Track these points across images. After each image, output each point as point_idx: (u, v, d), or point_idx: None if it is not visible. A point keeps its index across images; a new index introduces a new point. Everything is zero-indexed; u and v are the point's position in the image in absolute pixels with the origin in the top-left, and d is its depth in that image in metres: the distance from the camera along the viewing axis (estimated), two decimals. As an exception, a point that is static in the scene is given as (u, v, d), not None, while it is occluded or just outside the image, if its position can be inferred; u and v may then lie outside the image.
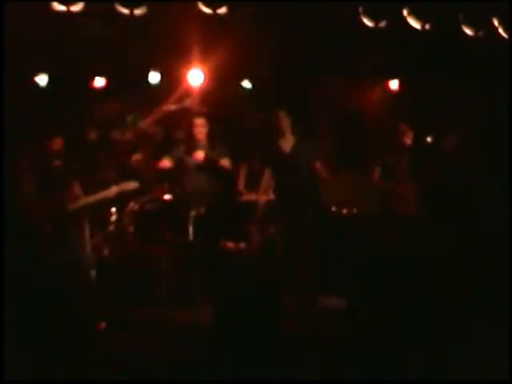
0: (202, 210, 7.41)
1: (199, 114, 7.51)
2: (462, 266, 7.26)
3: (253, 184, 8.11)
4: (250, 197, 8.05)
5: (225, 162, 7.37)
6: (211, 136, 7.40)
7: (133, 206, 7.93)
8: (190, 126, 7.41)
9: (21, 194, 6.99)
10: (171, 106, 8.75)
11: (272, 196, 7.44)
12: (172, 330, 6.45)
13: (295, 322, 6.21)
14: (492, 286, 6.29)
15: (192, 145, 7.37)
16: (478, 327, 5.30)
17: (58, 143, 6.97)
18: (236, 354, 5.37)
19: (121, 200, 7.91)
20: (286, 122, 7.04)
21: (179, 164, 7.43)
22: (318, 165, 7.18)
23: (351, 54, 8.50)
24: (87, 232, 7.18)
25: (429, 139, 8.76)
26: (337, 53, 8.52)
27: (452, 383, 4.39)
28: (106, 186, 7.31)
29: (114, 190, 7.20)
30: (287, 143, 7.09)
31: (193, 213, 7.40)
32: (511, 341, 4.74)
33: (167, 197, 7.71)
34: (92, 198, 7.03)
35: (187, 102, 8.92)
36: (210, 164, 7.30)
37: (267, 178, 7.17)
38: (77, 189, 7.08)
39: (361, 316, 6.36)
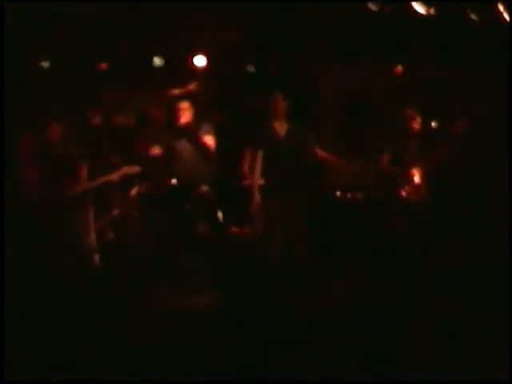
0: (202, 193, 7.42)
1: (183, 98, 7.49)
2: (466, 255, 7.26)
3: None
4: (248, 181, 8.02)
5: (207, 139, 7.38)
6: (196, 117, 7.39)
7: (137, 190, 7.94)
8: (173, 111, 7.41)
9: (24, 180, 7.01)
10: (175, 91, 8.73)
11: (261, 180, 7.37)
12: (176, 315, 6.47)
13: (297, 309, 6.22)
14: (493, 283, 6.26)
15: (178, 129, 7.37)
16: (478, 326, 5.29)
17: (61, 128, 6.98)
18: (239, 340, 5.41)
19: (125, 184, 7.93)
20: (281, 105, 7.01)
21: (168, 150, 7.45)
22: (313, 149, 7.15)
23: (356, 38, 8.47)
24: (91, 216, 7.21)
25: (433, 124, 8.73)
26: (341, 37, 8.50)
27: (452, 383, 4.38)
28: (109, 170, 7.35)
29: (117, 174, 7.24)
30: (282, 127, 7.06)
31: (192, 197, 7.42)
32: (511, 341, 4.73)
33: (173, 181, 7.72)
34: (95, 182, 7.07)
35: (191, 87, 8.90)
36: (194, 142, 7.32)
37: (259, 161, 7.11)
38: (83, 173, 7.10)
39: (362, 303, 6.37)
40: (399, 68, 9.25)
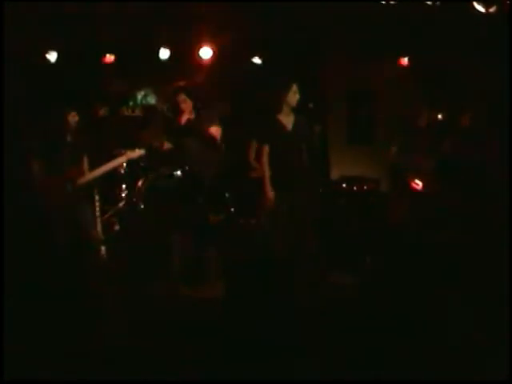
0: (210, 184, 7.43)
1: (180, 90, 7.48)
2: (473, 245, 7.23)
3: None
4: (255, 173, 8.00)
5: (213, 130, 7.37)
6: (200, 109, 7.39)
7: (143, 182, 7.95)
8: (175, 105, 7.39)
9: (31, 172, 7.02)
10: (181, 83, 8.73)
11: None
12: (183, 305, 6.49)
13: (306, 298, 6.22)
14: (495, 281, 6.22)
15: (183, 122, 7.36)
16: (478, 325, 5.26)
17: (69, 119, 6.99)
18: (247, 330, 5.42)
19: (131, 176, 7.95)
20: (294, 98, 6.97)
21: (178, 144, 7.44)
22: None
23: (363, 30, 8.45)
24: (98, 208, 7.23)
25: (440, 116, 8.69)
26: (348, 29, 8.47)
27: (452, 383, 4.36)
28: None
29: (121, 159, 7.26)
30: (289, 119, 7.04)
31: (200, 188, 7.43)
32: (511, 340, 4.70)
33: (178, 173, 7.71)
34: (101, 170, 7.08)
35: (197, 79, 8.91)
36: (199, 134, 7.31)
37: (266, 153, 7.08)
38: (85, 164, 7.11)
39: (371, 292, 6.38)
40: (406, 59, 9.22)
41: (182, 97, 7.30)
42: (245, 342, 5.21)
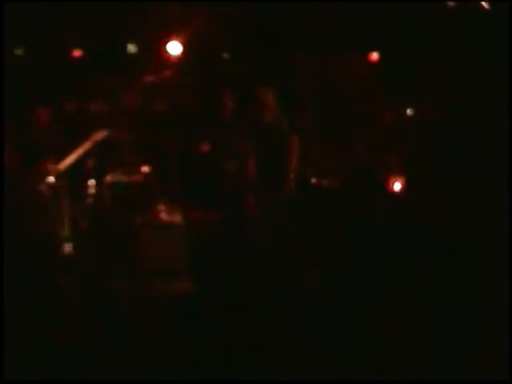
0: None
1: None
2: (444, 245, 7.26)
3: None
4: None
5: None
6: None
7: (110, 178, 7.91)
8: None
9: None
10: (150, 77, 8.70)
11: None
12: (152, 301, 6.46)
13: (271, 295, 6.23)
14: (491, 280, 6.19)
15: None
16: (478, 326, 5.24)
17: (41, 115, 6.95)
18: (216, 326, 5.41)
19: (99, 172, 7.89)
20: (270, 96, 7.03)
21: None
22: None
23: (333, 26, 8.46)
24: (65, 205, 7.18)
25: (408, 112, 8.72)
26: (318, 25, 8.48)
27: (452, 383, 4.36)
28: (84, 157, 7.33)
29: (88, 144, 7.22)
30: (270, 116, 7.06)
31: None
32: (511, 341, 4.70)
33: (145, 169, 7.71)
34: (71, 157, 7.05)
35: (166, 73, 8.88)
36: None
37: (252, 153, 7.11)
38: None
39: (336, 291, 6.38)
40: (374, 56, 9.24)
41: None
42: (218, 339, 5.21)
